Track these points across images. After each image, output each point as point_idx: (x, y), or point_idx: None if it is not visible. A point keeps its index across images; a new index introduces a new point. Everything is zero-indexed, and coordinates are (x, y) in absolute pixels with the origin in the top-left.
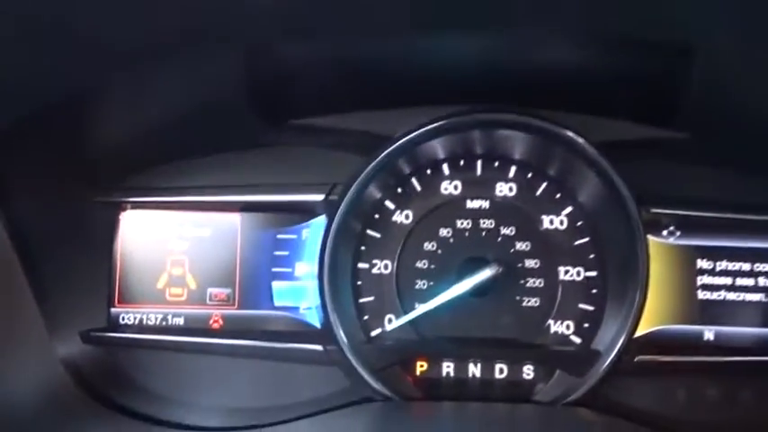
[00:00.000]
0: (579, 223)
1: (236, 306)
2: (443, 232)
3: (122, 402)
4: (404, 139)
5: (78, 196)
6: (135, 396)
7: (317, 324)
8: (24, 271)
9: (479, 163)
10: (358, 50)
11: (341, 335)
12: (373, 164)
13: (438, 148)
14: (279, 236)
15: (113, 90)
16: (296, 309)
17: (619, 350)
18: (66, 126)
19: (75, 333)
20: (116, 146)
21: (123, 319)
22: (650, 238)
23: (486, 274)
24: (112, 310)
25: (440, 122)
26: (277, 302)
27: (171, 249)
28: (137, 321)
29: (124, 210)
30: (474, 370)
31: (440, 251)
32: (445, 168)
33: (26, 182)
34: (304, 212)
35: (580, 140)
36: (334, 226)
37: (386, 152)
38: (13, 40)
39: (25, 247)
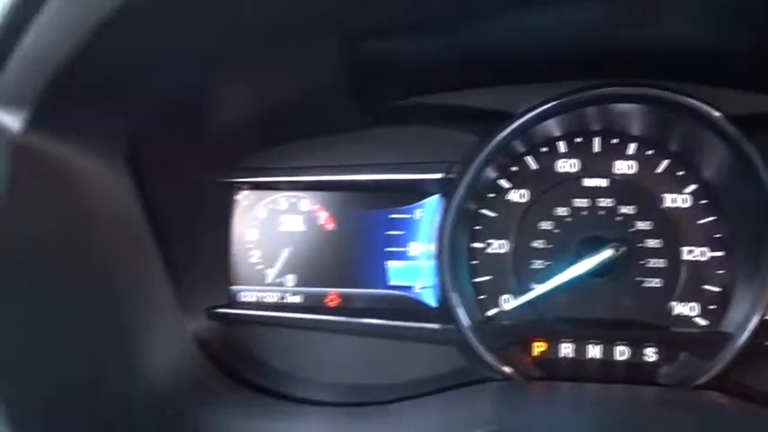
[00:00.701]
0: (704, 201)
1: (351, 285)
2: (560, 211)
3: (247, 377)
4: (524, 118)
5: (200, 178)
6: (258, 371)
7: (433, 303)
8: (158, 250)
9: (597, 140)
10: (469, 29)
11: (459, 314)
12: (493, 143)
13: (554, 125)
14: (392, 215)
15: (229, 81)
16: (410, 288)
17: (751, 332)
18: (189, 115)
19: (200, 310)
20: (232, 131)
21: (243, 296)
22: None
23: (606, 254)
24: (232, 288)
25: (562, 99)
26: (391, 281)
27: (286, 229)
28: (255, 299)
29: (240, 191)
30: (594, 351)
31: (557, 230)
32: (561, 146)
33: (157, 166)
34: (417, 192)
35: (708, 110)
36: (452, 205)
37: (505, 131)
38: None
39: (158, 227)
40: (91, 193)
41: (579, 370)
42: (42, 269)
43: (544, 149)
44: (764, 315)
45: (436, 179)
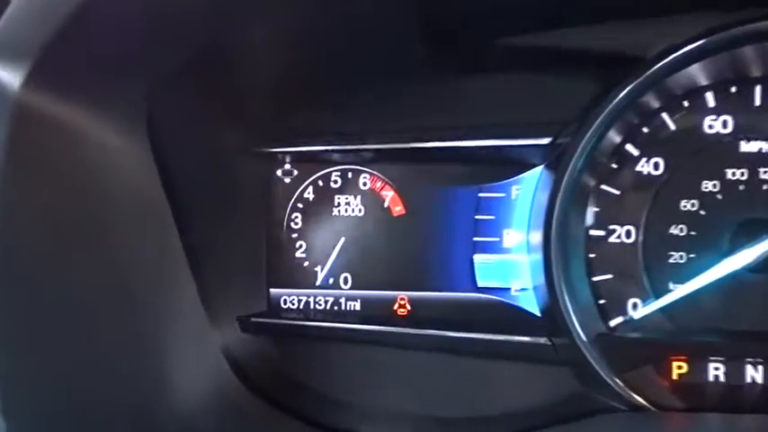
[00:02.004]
0: None
1: (427, 288)
2: (708, 186)
3: (292, 405)
4: (659, 63)
5: (232, 149)
6: (305, 398)
7: (536, 310)
8: (181, 240)
9: (758, 90)
10: None
11: (573, 324)
12: (617, 97)
13: (699, 72)
14: (481, 194)
15: (264, 20)
16: (505, 290)
17: None
18: (218, 70)
19: (232, 319)
20: (270, 87)
21: (286, 302)
22: None
23: None
24: (273, 291)
25: (712, 36)
26: (480, 282)
27: (340, 214)
28: (302, 305)
29: (281, 164)
30: (754, 373)
31: (703, 212)
32: (709, 99)
33: (181, 136)
34: (515, 163)
35: None
36: (564, 180)
37: (634, 81)
38: None
39: (182, 211)
40: (104, 168)
41: (734, 398)
42: (38, 258)
43: (686, 104)
44: None
45: (541, 146)
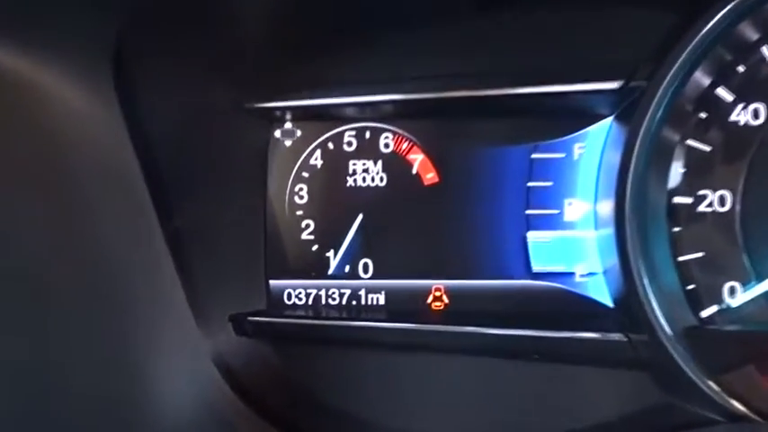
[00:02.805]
0: None
1: (467, 275)
2: None
3: (293, 421)
4: None
5: (220, 104)
6: (310, 413)
7: (607, 300)
8: (159, 219)
9: None
10: None
11: (656, 316)
12: (705, 28)
13: None
14: (535, 155)
15: None
16: (568, 276)
17: None
18: (200, 4)
19: (224, 319)
20: (266, 27)
21: (290, 297)
22: None
23: None
24: (273, 283)
25: None
26: (536, 266)
27: (357, 184)
28: (311, 300)
29: (281, 123)
30: None
31: None
32: None
33: (157, 89)
34: (577, 115)
35: None
36: (640, 135)
37: (726, 7)
38: None
39: (159, 182)
40: (67, 129)
41: None
42: None
43: None
44: None
45: (610, 92)
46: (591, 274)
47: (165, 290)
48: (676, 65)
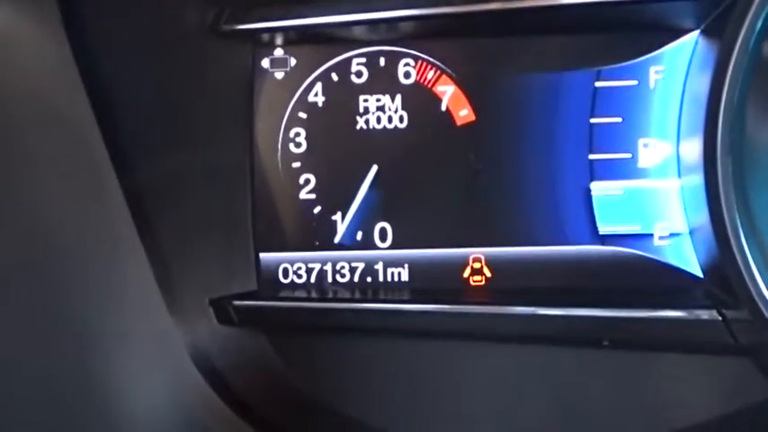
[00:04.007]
0: None
1: (514, 242)
2: None
3: (290, 427)
4: None
5: (190, 25)
6: (312, 418)
7: (696, 268)
8: (119, 180)
9: None
10: None
11: (760, 287)
12: None
13: None
14: (599, 83)
15: None
16: (644, 238)
17: None
18: None
19: (203, 303)
20: None
21: (286, 273)
22: None
23: None
24: (264, 257)
25: None
26: (603, 227)
27: (370, 126)
28: (313, 277)
29: (269, 50)
30: None
31: None
32: None
33: (112, 5)
34: (652, 30)
35: None
36: (734, 52)
37: None
38: None
39: (116, 133)
40: (4, 65)
41: None
42: None
43: None
44: None
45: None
46: (674, 235)
47: (127, 266)
48: None
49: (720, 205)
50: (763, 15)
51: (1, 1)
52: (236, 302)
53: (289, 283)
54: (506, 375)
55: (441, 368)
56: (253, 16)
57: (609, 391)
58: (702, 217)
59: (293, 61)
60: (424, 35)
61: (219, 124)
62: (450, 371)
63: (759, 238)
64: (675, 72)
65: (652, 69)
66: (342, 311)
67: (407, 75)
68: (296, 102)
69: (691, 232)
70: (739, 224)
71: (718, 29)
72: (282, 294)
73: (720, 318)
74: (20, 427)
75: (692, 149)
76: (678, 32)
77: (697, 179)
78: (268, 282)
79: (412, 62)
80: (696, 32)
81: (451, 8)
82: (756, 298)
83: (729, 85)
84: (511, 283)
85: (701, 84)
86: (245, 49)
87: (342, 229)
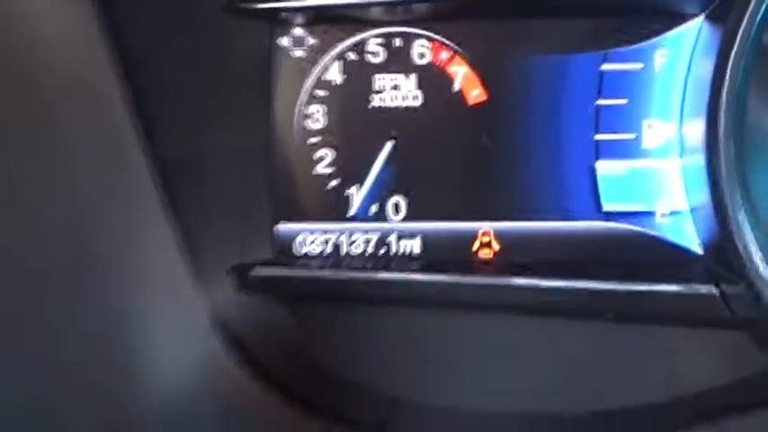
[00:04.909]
0: None
1: (522, 216)
2: None
3: (308, 393)
4: None
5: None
6: (329, 386)
7: (696, 246)
8: (142, 150)
9: None
10: None
11: (756, 263)
12: None
13: None
14: (605, 66)
15: None
16: (647, 215)
17: None
18: None
19: (223, 270)
20: None
21: (303, 243)
22: None
23: None
24: (282, 227)
25: None
26: (607, 204)
27: (385, 104)
28: (329, 247)
29: (288, 28)
30: None
31: None
32: None
33: None
34: (657, 14)
35: None
36: (738, 37)
37: None
38: None
39: (141, 104)
40: (33, 38)
41: None
42: None
43: None
44: None
45: None
46: (675, 213)
47: (151, 234)
48: None
49: (721, 185)
50: (765, 3)
51: None
52: (254, 270)
53: (304, 254)
54: (512, 345)
55: (450, 338)
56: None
57: (610, 361)
58: (703, 196)
59: (311, 40)
60: (438, 17)
61: (239, 100)
62: (459, 340)
63: (757, 218)
64: (680, 56)
65: (657, 53)
66: (355, 281)
67: (422, 55)
68: (313, 80)
69: (691, 211)
70: (739, 204)
71: (722, 15)
72: (299, 263)
73: (718, 293)
74: (50, 392)
75: (695, 131)
76: (683, 17)
77: (699, 160)
78: (285, 251)
79: (426, 43)
80: (701, 17)
81: None
82: (752, 275)
83: (732, 70)
84: (518, 256)
85: (705, 68)
86: (263, 28)
87: (357, 202)
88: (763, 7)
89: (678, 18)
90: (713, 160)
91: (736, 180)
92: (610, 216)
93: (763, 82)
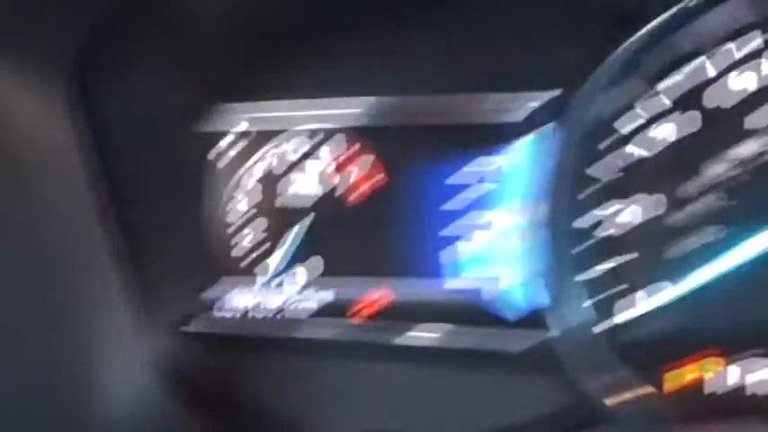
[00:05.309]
0: None
1: (396, 283)
2: (741, 152)
3: (231, 423)
4: (677, 8)
5: (176, 106)
6: (248, 416)
7: (526, 307)
8: (103, 220)
9: None
10: None
11: (566, 322)
12: (626, 45)
13: (723, 17)
14: (465, 168)
15: None
16: (493, 281)
17: None
18: (157, 18)
19: (164, 323)
20: (226, 39)
21: (228, 301)
22: None
23: None
24: (210, 291)
25: None
26: (463, 274)
27: (296, 192)
28: (249, 305)
29: (221, 135)
30: None
31: (742, 177)
32: (734, 50)
33: (112, 86)
34: (504, 132)
35: None
36: (558, 148)
37: (649, 27)
38: None
39: (107, 184)
40: (20, 137)
41: (760, 405)
42: None
43: (720, 48)
44: None
45: (537, 107)
46: (515, 283)
47: (108, 289)
48: (605, 75)
49: (544, 262)
50: (589, 117)
51: (23, 73)
52: (186, 324)
53: (229, 310)
54: (394, 380)
55: (345, 372)
56: (227, 99)
57: (448, 392)
58: (533, 269)
59: (245, 142)
60: (347, 123)
61: (181, 187)
62: (349, 374)
63: (569, 286)
64: (524, 158)
65: (508, 156)
66: (268, 329)
67: (337, 148)
68: (244, 171)
69: (525, 280)
70: (553, 275)
71: (556, 127)
72: (223, 318)
73: (535, 344)
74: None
75: (529, 219)
76: (526, 133)
77: (531, 240)
78: (213, 307)
79: (329, 149)
80: (540, 130)
81: (365, 104)
82: (561, 332)
83: (557, 171)
84: (394, 314)
85: (542, 167)
86: (202, 138)
87: (272, 268)
88: (588, 120)
89: (521, 134)
90: (538, 241)
91: (554, 257)
92: (466, 283)
93: (580, 180)
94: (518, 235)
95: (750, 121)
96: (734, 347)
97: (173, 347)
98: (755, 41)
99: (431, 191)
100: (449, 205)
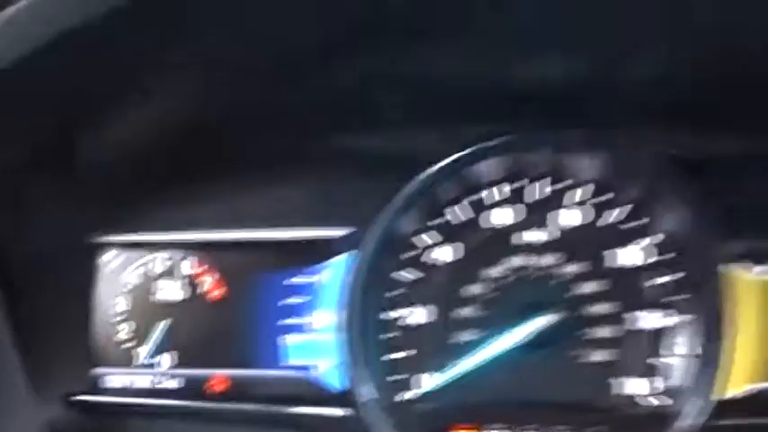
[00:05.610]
0: (660, 258)
1: (239, 366)
2: (495, 272)
3: None
4: (448, 161)
5: (60, 234)
6: None
7: (339, 386)
8: (5, 310)
9: (538, 187)
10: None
11: (365, 398)
12: (408, 190)
13: (487, 169)
14: (292, 280)
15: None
16: (313, 368)
17: (703, 413)
18: (61, 153)
19: (57, 396)
20: (99, 174)
21: (107, 381)
22: (743, 274)
23: (541, 322)
24: (94, 371)
25: (496, 141)
26: (291, 361)
27: (162, 297)
28: (124, 384)
29: (107, 250)
30: None
31: (492, 295)
32: (495, 193)
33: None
34: (323, 250)
35: (665, 157)
36: (360, 266)
37: (424, 176)
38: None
39: (7, 288)
40: None
41: None
42: None
43: (475, 197)
44: (721, 394)
45: (344, 235)
46: (330, 367)
47: (8, 370)
48: (387, 217)
49: (350, 351)
50: (376, 247)
51: None
52: (75, 397)
53: (108, 388)
54: None
55: None
56: (114, 230)
57: None
58: (342, 356)
59: (122, 258)
60: (195, 247)
61: (71, 292)
62: None
63: (370, 370)
64: (339, 273)
65: (325, 271)
66: (135, 405)
67: (189, 267)
68: (120, 280)
69: (338, 365)
70: (358, 362)
71: (356, 253)
72: (103, 393)
73: (343, 415)
74: None
75: (340, 319)
76: (339, 253)
77: (341, 335)
78: (96, 385)
79: (189, 263)
80: (347, 253)
81: (211, 235)
82: (362, 405)
83: (359, 284)
84: (239, 390)
85: (347, 282)
86: (90, 248)
87: (142, 356)
88: (382, 249)
89: (336, 253)
90: (346, 337)
91: (357, 349)
92: (293, 368)
93: (376, 292)
94: (333, 330)
95: (495, 253)
96: (485, 421)
97: (65, 415)
98: (505, 189)
99: (259, 301)
100: (279, 309)
